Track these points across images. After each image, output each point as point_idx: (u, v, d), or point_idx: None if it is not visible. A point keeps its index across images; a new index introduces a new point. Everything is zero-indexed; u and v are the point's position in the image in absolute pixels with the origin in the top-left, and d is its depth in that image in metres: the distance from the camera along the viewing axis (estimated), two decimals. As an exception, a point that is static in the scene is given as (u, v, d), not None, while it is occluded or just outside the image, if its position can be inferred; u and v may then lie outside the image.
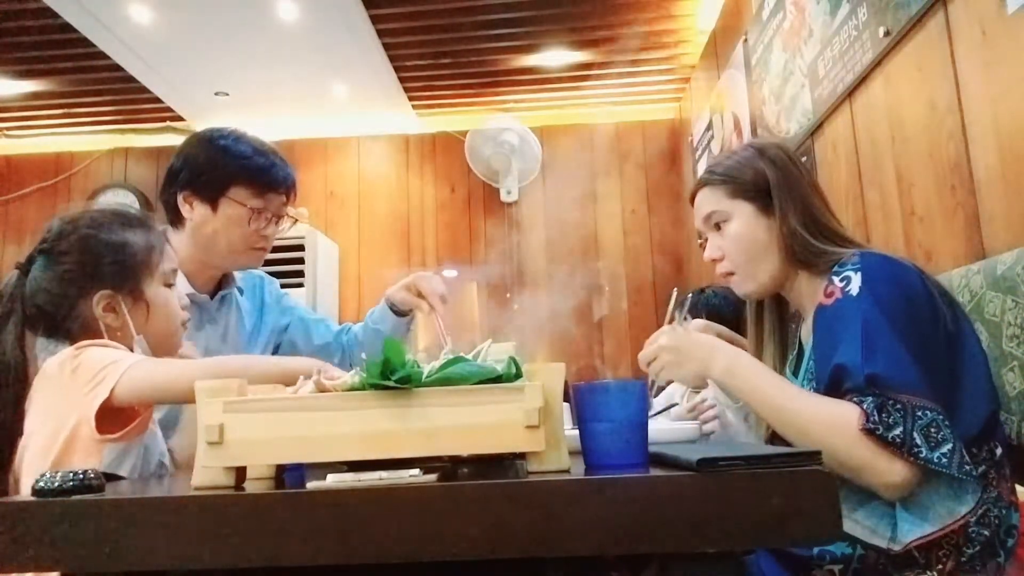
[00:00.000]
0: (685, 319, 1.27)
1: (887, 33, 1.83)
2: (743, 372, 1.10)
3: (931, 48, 1.69)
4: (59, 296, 1.16)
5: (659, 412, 1.49)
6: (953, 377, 1.04)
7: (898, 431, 0.95)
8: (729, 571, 0.73)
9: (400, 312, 1.72)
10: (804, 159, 2.44)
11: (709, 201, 1.27)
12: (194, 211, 1.55)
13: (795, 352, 1.29)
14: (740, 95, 3.01)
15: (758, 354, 1.34)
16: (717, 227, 1.26)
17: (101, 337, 1.16)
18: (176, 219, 1.59)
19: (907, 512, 1.02)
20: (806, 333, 1.24)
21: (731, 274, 1.26)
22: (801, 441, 1.02)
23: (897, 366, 0.99)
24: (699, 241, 1.32)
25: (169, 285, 1.27)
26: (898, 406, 0.96)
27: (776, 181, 1.20)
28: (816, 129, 2.34)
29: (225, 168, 1.54)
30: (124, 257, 1.20)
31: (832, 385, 1.04)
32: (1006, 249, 1.38)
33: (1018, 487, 1.28)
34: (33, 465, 1.05)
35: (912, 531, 1.00)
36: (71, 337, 1.16)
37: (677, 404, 2.00)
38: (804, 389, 1.14)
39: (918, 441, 0.95)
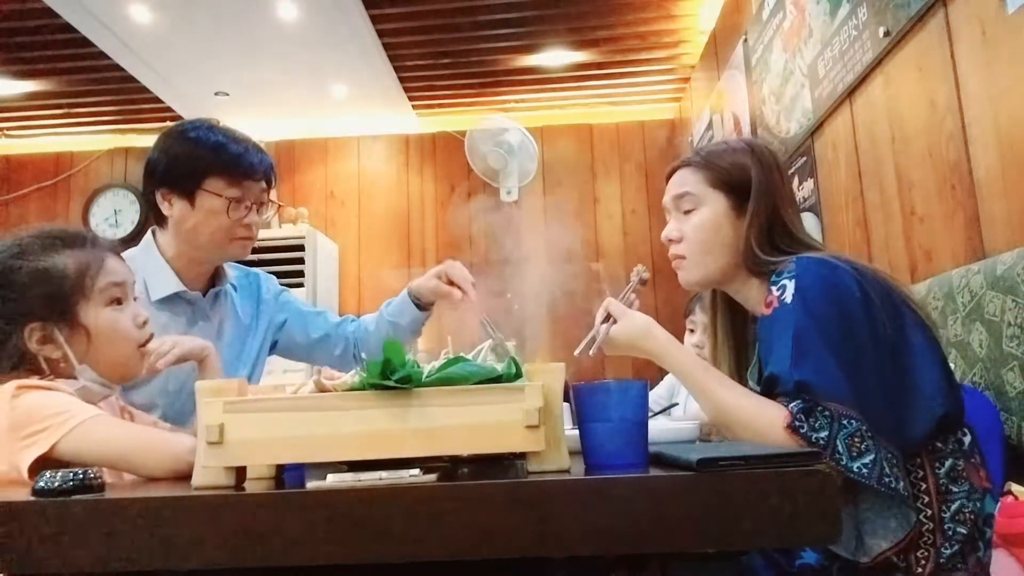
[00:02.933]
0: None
1: (887, 33, 1.83)
2: (679, 346, 1.15)
3: (931, 48, 1.69)
4: None
5: (659, 412, 1.49)
6: (901, 380, 1.03)
7: (823, 435, 0.96)
8: (729, 571, 0.73)
9: (422, 306, 1.72)
10: (804, 159, 2.44)
11: (686, 182, 1.24)
12: (173, 207, 1.54)
13: (757, 360, 1.26)
14: (740, 95, 3.01)
15: (715, 355, 1.33)
16: (686, 211, 1.23)
17: (42, 371, 1.10)
18: (160, 218, 1.58)
19: (869, 525, 1.01)
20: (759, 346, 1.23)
21: (681, 259, 1.24)
22: (724, 423, 1.05)
23: (825, 374, 0.98)
24: (667, 219, 1.30)
25: (118, 302, 1.17)
26: (825, 413, 0.97)
27: (758, 183, 1.18)
28: (816, 129, 2.34)
29: (198, 160, 1.52)
30: (49, 286, 1.11)
31: (765, 394, 1.05)
32: (1006, 249, 1.38)
33: (1017, 486, 1.28)
34: None
35: (878, 544, 1.00)
36: (11, 372, 1.10)
37: (677, 404, 2.00)
38: (737, 384, 1.14)
39: (840, 449, 0.95)
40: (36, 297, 1.10)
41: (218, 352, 1.47)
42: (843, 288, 1.04)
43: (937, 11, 1.66)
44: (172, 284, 1.55)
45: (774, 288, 1.09)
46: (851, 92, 2.08)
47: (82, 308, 1.13)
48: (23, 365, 1.10)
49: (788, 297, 1.05)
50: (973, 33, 1.54)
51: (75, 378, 1.11)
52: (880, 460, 0.94)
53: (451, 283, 1.67)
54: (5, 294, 1.10)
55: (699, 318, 1.80)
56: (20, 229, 1.21)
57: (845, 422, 0.96)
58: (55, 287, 1.12)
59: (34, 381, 1.06)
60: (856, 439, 0.95)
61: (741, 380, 1.27)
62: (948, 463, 1.03)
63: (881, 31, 1.86)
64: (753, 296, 1.21)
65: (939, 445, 1.03)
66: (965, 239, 1.60)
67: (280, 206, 1.71)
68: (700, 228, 1.21)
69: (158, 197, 1.55)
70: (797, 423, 0.97)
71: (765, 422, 1.00)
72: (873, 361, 1.01)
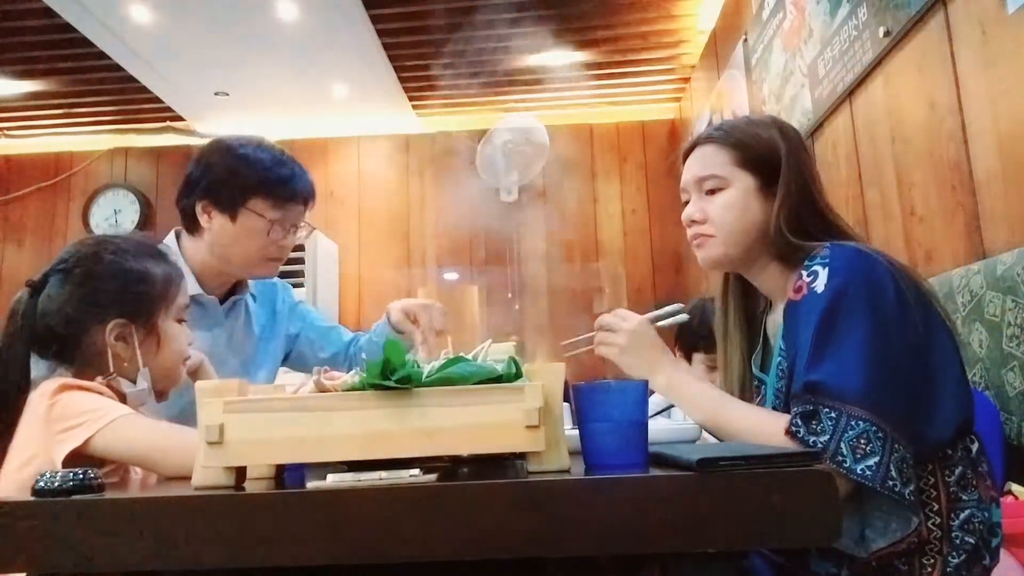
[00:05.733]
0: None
1: (887, 33, 1.83)
2: (681, 383, 1.14)
3: (931, 48, 1.69)
4: (74, 319, 1.14)
5: (659, 412, 1.49)
6: (926, 380, 1.01)
7: (823, 439, 0.95)
8: (729, 571, 0.73)
9: (398, 328, 1.73)
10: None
11: (711, 163, 1.16)
12: (212, 221, 1.56)
13: (760, 346, 1.24)
14: (740, 95, 3.01)
15: (725, 342, 1.29)
16: (709, 191, 1.16)
17: (107, 366, 1.14)
18: (192, 225, 1.59)
19: (871, 521, 1.00)
20: (772, 325, 1.20)
21: (706, 237, 1.17)
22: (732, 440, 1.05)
23: (840, 373, 0.96)
24: (684, 199, 1.24)
25: (181, 320, 1.25)
26: (831, 415, 0.95)
27: (788, 162, 1.12)
28: (816, 129, 2.34)
29: (245, 180, 1.54)
30: (145, 288, 1.18)
31: (791, 386, 1.04)
32: (1006, 249, 1.38)
33: (1017, 487, 1.28)
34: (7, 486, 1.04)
35: (876, 540, 0.99)
36: (75, 363, 1.15)
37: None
38: (737, 400, 1.14)
39: (843, 451, 0.93)
40: (129, 295, 1.17)
41: (212, 360, 1.48)
42: (878, 283, 1.01)
43: (937, 11, 1.66)
44: (190, 287, 1.56)
45: (805, 273, 1.05)
46: (851, 92, 2.08)
47: (161, 316, 1.19)
48: (89, 359, 1.15)
49: (819, 286, 1.02)
50: (973, 33, 1.54)
51: (132, 380, 1.16)
52: (886, 463, 0.93)
53: (415, 322, 1.66)
54: (99, 286, 1.16)
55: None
56: (108, 233, 1.26)
57: (853, 423, 0.94)
58: (146, 289, 1.18)
59: (77, 381, 1.10)
60: (862, 440, 0.93)
61: (747, 368, 1.26)
62: (958, 471, 1.01)
63: (881, 31, 1.86)
64: (772, 282, 1.17)
65: (949, 452, 1.02)
66: (965, 239, 1.60)
67: (313, 228, 1.73)
68: (727, 209, 1.14)
69: (198, 208, 1.56)
70: (794, 428, 0.97)
71: (768, 430, 1.01)
72: (900, 361, 0.99)
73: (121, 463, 1.08)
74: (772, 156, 1.13)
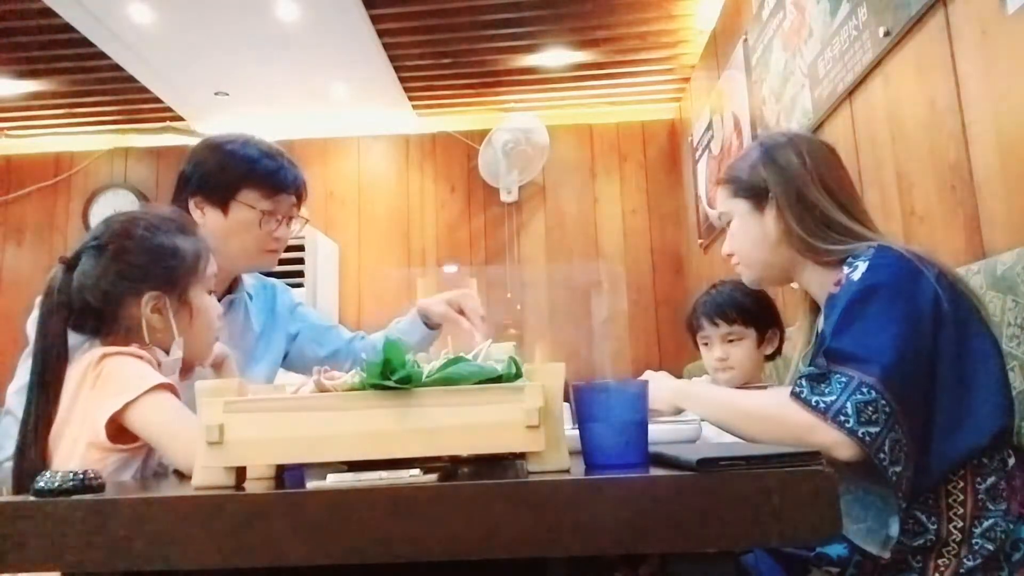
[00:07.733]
0: None
1: (887, 33, 1.83)
2: (689, 385, 1.23)
3: (931, 48, 1.69)
4: (109, 293, 1.18)
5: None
6: (961, 385, 1.03)
7: (828, 399, 0.97)
8: (729, 571, 0.73)
9: (432, 325, 1.75)
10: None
11: (720, 200, 1.34)
12: (205, 216, 1.58)
13: (814, 343, 1.29)
14: (740, 95, 3.01)
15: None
16: (728, 223, 1.32)
17: (142, 338, 1.17)
18: None
19: (892, 523, 1.01)
20: (823, 325, 1.25)
21: (738, 265, 1.33)
22: (747, 424, 1.08)
23: (861, 345, 1.00)
24: None
25: (210, 292, 1.29)
26: (842, 379, 0.98)
27: (774, 183, 1.22)
28: (816, 129, 2.33)
29: (234, 172, 1.57)
30: (177, 261, 1.22)
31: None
32: (1006, 249, 1.38)
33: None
34: (60, 463, 1.08)
35: (896, 539, 1.00)
36: (109, 336, 1.19)
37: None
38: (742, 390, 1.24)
39: (848, 411, 0.96)
40: (163, 268, 1.21)
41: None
42: (915, 282, 1.05)
43: (937, 11, 1.65)
44: None
45: (846, 267, 1.10)
46: (851, 92, 2.08)
47: (192, 288, 1.24)
48: (125, 333, 1.18)
49: (856, 275, 1.07)
50: (973, 33, 1.54)
51: (168, 350, 1.20)
52: (884, 436, 0.95)
53: (461, 312, 1.71)
54: (135, 260, 1.20)
55: (712, 331, 1.72)
56: (139, 209, 1.26)
57: (865, 390, 0.96)
58: (178, 263, 1.23)
59: (118, 348, 1.14)
60: (870, 408, 0.96)
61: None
62: (990, 480, 1.02)
63: (881, 31, 1.86)
64: (814, 280, 1.24)
65: (985, 460, 1.03)
66: (965, 239, 1.60)
67: (307, 221, 1.75)
68: (734, 236, 1.30)
69: (191, 204, 1.58)
70: (798, 388, 0.99)
71: (776, 402, 1.04)
72: (925, 359, 1.01)
73: (146, 442, 1.11)
74: (757, 181, 1.25)
